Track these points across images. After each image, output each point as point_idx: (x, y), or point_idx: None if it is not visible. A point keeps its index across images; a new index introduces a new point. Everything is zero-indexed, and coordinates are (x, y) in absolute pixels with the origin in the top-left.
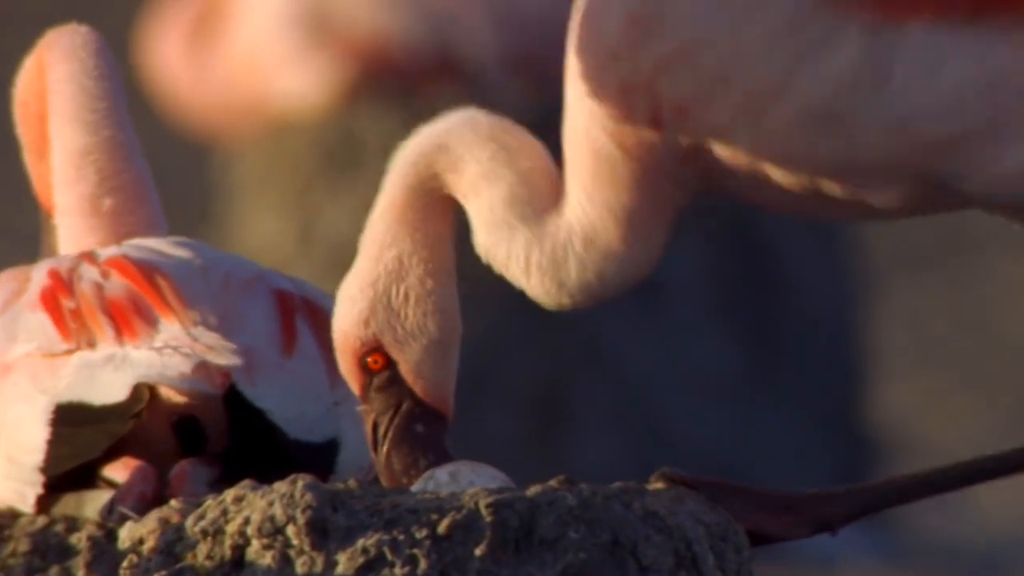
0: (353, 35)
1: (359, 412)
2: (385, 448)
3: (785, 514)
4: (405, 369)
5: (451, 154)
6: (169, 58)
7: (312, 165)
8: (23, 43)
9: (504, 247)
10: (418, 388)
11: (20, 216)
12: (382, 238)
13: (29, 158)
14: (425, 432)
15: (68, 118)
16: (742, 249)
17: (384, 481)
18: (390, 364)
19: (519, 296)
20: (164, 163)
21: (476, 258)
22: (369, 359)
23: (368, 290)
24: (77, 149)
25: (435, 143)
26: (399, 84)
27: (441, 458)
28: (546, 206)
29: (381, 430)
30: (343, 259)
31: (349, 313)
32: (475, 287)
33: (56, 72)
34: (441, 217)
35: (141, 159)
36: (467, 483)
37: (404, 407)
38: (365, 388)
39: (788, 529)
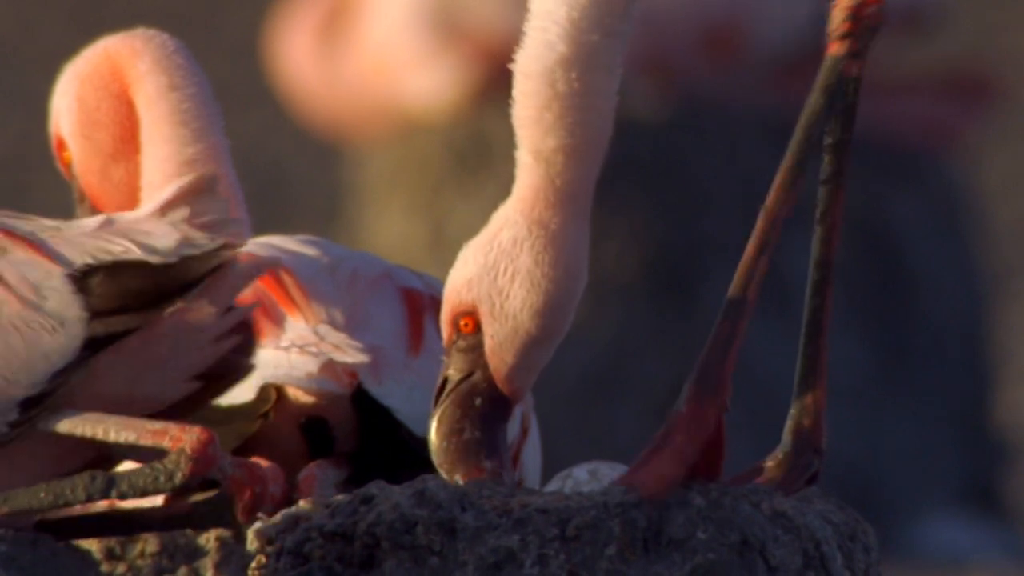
0: (483, 35)
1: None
2: (441, 408)
3: (675, 438)
4: (489, 344)
5: None
6: (299, 58)
7: (442, 165)
8: None
9: None
10: (493, 366)
11: None
12: (506, 215)
13: (94, 162)
14: (482, 409)
15: (173, 126)
16: (871, 250)
17: (432, 436)
18: (478, 332)
19: (646, 298)
20: (294, 164)
21: (604, 260)
22: (462, 320)
23: (480, 258)
24: (184, 159)
25: None
26: None
27: (485, 440)
28: None
29: (447, 388)
30: None
31: (460, 270)
32: (602, 289)
33: (151, 83)
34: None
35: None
36: (608, 482)
37: (474, 377)
38: (450, 343)
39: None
